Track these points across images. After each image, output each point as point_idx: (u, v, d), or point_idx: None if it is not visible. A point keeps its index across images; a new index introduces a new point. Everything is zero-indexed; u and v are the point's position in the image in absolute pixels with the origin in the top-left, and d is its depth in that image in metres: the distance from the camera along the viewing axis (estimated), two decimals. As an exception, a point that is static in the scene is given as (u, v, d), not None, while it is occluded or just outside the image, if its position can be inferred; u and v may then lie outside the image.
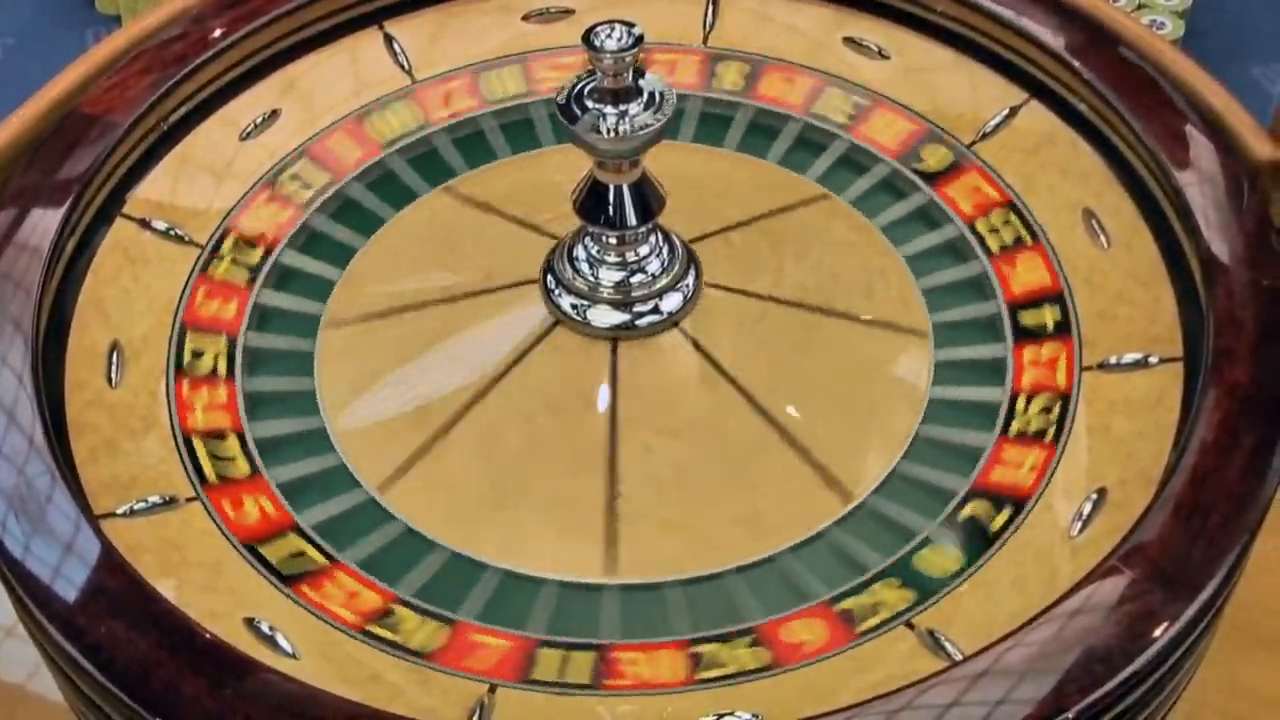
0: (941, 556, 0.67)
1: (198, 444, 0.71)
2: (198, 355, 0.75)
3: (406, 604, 0.66)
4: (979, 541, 0.67)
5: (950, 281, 0.78)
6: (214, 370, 0.75)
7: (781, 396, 0.73)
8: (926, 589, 0.65)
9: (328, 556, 0.68)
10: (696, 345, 0.75)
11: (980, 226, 0.80)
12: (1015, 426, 0.71)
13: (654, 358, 0.75)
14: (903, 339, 0.76)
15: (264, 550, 0.68)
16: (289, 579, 0.67)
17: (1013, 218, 0.79)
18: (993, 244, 0.79)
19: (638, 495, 0.70)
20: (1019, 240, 0.78)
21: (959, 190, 0.81)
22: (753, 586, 0.66)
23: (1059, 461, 0.69)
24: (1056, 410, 0.71)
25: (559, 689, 0.62)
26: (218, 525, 0.68)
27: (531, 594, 0.67)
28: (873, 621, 0.64)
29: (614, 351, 0.75)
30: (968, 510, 0.68)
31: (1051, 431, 0.70)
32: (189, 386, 0.74)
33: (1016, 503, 0.68)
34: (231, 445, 0.72)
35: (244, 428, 0.73)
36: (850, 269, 0.79)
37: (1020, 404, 0.72)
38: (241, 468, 0.71)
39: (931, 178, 0.82)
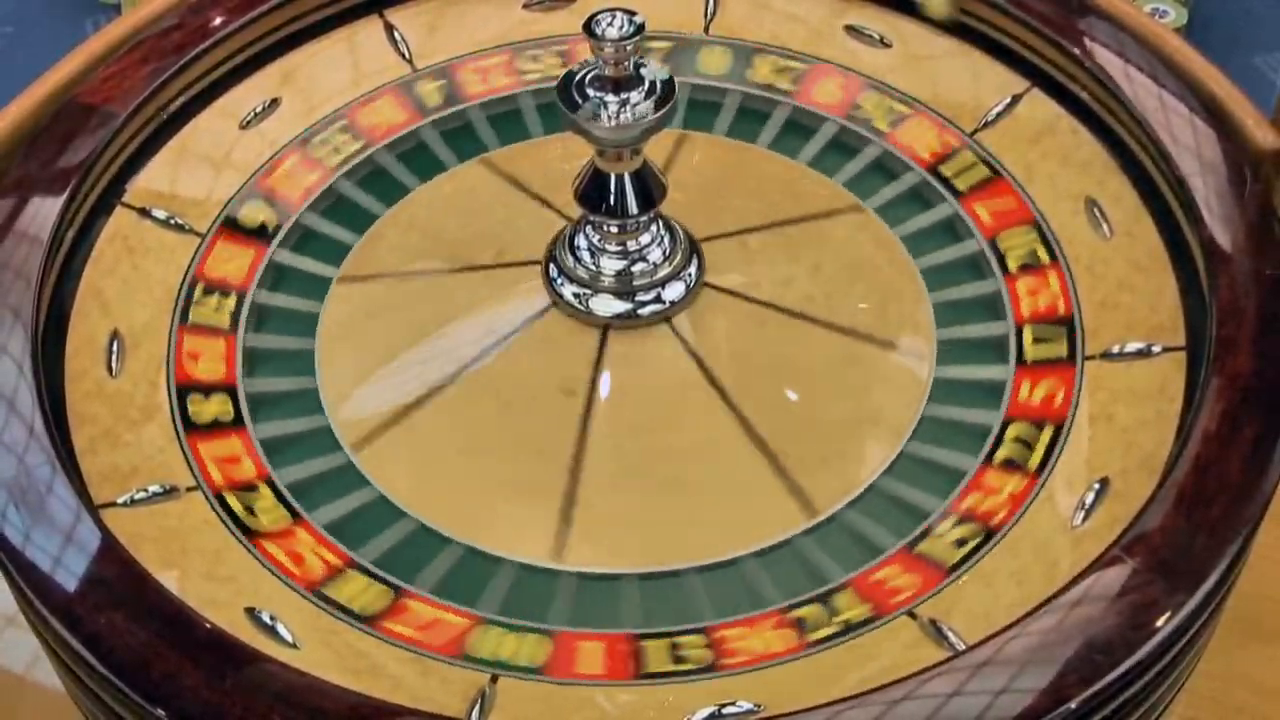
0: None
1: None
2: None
3: (362, 568, 0.67)
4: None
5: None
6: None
7: (761, 403, 0.72)
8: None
9: (294, 514, 0.69)
10: (685, 344, 0.75)
11: (1002, 244, 0.78)
12: (1000, 455, 0.70)
13: (640, 352, 0.75)
14: (903, 364, 0.75)
15: (231, 499, 0.69)
16: (252, 532, 0.68)
17: (1035, 240, 0.78)
18: (1011, 264, 0.78)
19: (597, 487, 0.70)
20: (1037, 260, 0.77)
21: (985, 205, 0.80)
22: (706, 586, 0.66)
23: (1060, 452, 0.69)
24: (1044, 442, 0.70)
25: (517, 673, 0.63)
26: (215, 511, 0.68)
27: (488, 573, 0.67)
28: (824, 632, 0.64)
29: (602, 342, 0.75)
30: (947, 530, 0.68)
31: (1036, 462, 0.69)
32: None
33: (989, 531, 0.67)
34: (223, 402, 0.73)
35: (239, 381, 0.74)
36: (865, 286, 0.78)
37: (1010, 431, 0.71)
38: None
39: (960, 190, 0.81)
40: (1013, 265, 0.77)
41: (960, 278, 0.78)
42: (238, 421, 0.72)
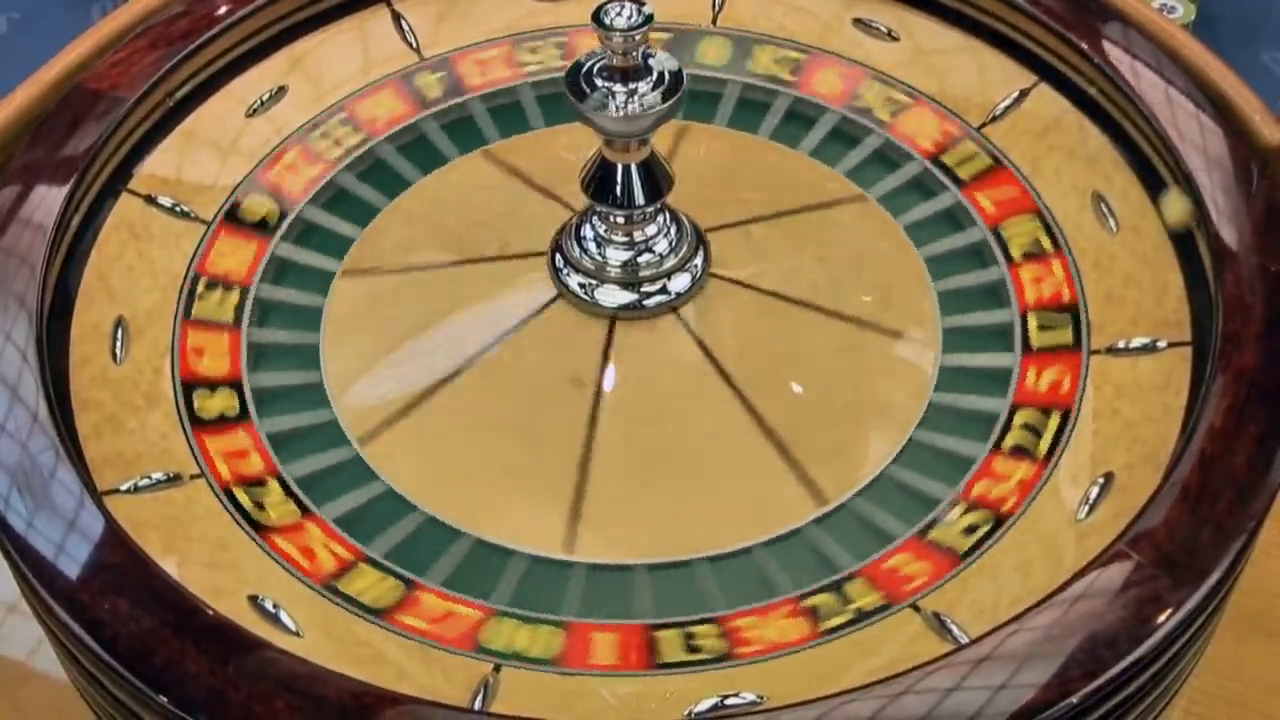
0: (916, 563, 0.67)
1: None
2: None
3: (374, 562, 0.67)
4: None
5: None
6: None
7: (769, 392, 0.72)
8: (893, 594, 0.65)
9: (304, 509, 0.69)
10: (692, 334, 0.75)
11: (1005, 230, 0.79)
12: (1009, 441, 0.70)
13: (648, 343, 0.75)
14: (909, 351, 0.75)
15: (241, 496, 0.69)
16: (262, 527, 0.68)
17: (1037, 221, 0.79)
18: (1014, 252, 0.78)
19: (607, 478, 0.70)
20: (1040, 247, 0.77)
21: (988, 193, 0.81)
22: (718, 576, 0.66)
23: (1066, 441, 0.69)
24: (1054, 426, 0.70)
25: (528, 664, 0.63)
26: (219, 498, 0.68)
27: (499, 564, 0.67)
28: (837, 621, 0.64)
29: (610, 333, 0.75)
30: (955, 519, 0.68)
31: (1045, 448, 0.70)
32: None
33: (998, 518, 0.67)
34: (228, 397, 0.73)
35: (243, 377, 0.74)
36: (868, 274, 0.78)
37: (1018, 418, 0.71)
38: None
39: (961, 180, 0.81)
40: (1016, 253, 0.77)
41: (963, 266, 0.78)
42: (243, 416, 0.72)
